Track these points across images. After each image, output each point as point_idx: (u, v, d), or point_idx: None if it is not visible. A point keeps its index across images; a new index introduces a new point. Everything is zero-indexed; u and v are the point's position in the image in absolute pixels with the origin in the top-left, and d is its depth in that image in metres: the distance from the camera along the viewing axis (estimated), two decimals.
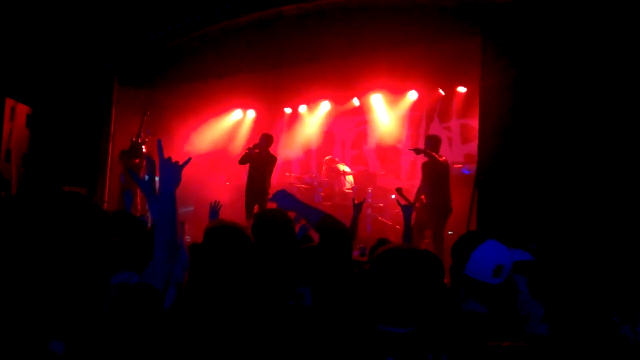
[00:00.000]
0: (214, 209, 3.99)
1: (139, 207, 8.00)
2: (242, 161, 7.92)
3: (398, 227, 7.83)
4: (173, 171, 1.90)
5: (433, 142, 7.20)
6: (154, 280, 1.60)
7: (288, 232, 2.68)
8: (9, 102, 7.60)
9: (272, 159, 8.01)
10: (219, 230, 2.16)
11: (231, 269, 2.06)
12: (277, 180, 10.39)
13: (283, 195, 2.63)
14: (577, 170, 5.12)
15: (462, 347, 1.83)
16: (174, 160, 2.03)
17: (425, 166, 7.22)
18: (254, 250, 2.14)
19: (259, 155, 7.82)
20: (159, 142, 2.01)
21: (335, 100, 10.92)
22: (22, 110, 7.91)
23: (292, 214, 2.80)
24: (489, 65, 5.79)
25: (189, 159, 2.16)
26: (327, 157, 10.19)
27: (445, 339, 1.87)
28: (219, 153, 11.05)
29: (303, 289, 2.43)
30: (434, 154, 6.98)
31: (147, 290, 1.56)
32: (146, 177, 1.90)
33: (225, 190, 9.89)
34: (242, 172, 10.84)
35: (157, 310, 1.55)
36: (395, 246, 1.99)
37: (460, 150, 9.63)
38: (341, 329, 2.13)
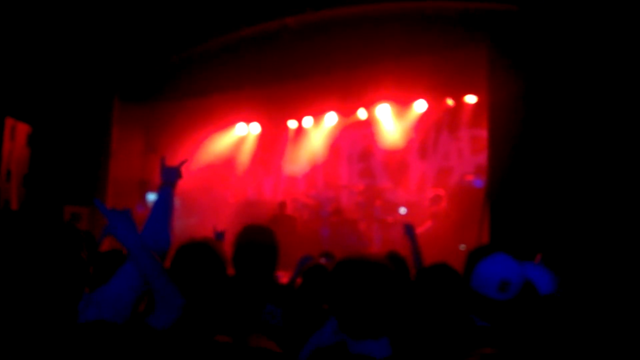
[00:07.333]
0: (219, 235, 3.90)
1: None
2: None
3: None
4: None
5: None
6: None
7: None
8: (9, 122, 7.49)
9: None
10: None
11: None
12: (283, 196, 10.17)
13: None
14: (591, 179, 4.95)
15: None
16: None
17: None
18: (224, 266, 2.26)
19: None
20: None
21: (341, 112, 10.72)
22: (23, 129, 7.81)
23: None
24: (496, 74, 5.66)
25: (185, 160, 2.38)
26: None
27: None
28: (224, 168, 10.88)
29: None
30: None
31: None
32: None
33: (229, 206, 9.72)
34: (247, 188, 10.64)
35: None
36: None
37: (471, 161, 9.39)
38: None
